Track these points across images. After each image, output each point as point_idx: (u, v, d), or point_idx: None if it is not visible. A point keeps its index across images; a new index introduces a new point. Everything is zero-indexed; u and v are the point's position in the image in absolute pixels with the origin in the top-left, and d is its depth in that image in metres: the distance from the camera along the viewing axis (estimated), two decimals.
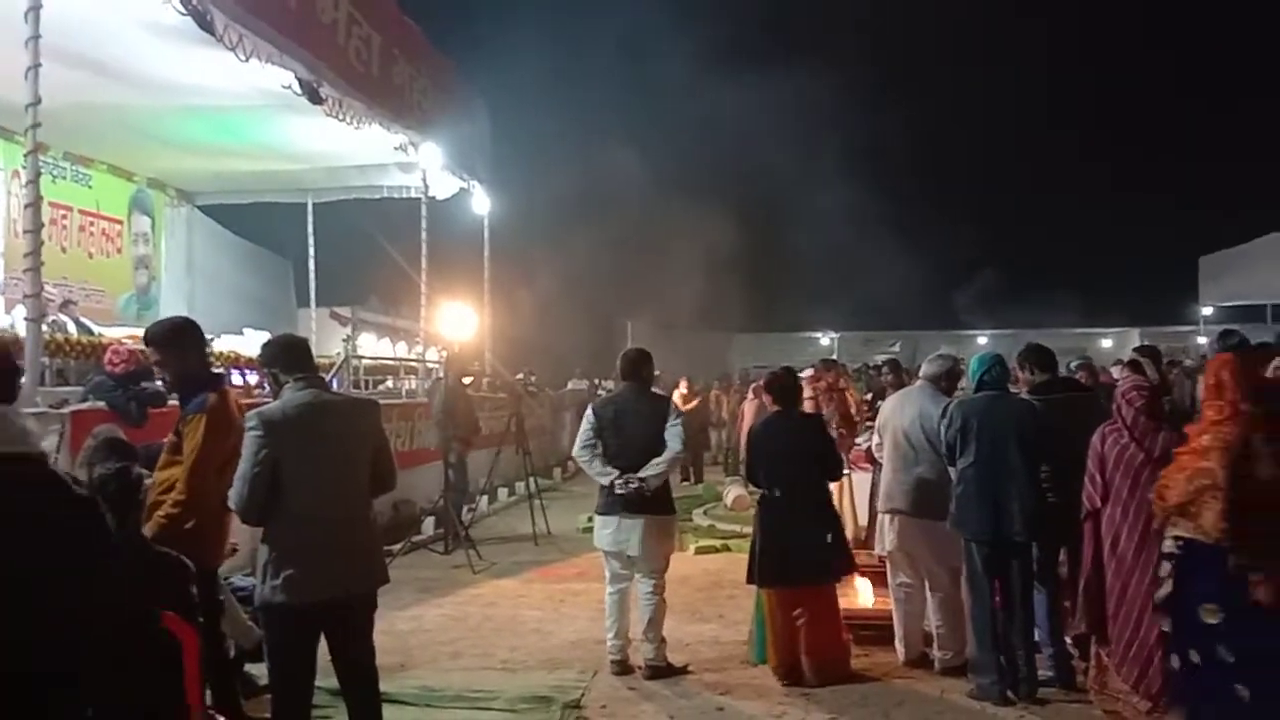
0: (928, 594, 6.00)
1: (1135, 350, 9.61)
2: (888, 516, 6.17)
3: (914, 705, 5.43)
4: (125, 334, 9.62)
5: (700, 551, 9.88)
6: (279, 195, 15.43)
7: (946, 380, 6.31)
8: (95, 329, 10.40)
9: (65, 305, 10.58)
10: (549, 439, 17.75)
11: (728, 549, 9.78)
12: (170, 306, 13.89)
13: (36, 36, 6.70)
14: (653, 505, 5.91)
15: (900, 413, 6.25)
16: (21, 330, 7.47)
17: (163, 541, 3.93)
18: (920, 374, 6.62)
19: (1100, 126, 52.24)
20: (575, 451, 6.30)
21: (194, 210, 15.53)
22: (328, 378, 8.36)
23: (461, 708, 5.41)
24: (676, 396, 13.51)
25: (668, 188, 25.14)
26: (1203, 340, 26.55)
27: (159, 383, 5.39)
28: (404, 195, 14.76)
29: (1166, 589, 4.29)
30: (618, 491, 5.88)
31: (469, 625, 7.22)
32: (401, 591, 7.82)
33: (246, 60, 8.35)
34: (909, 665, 6.00)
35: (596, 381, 20.32)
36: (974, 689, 5.48)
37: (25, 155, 7.19)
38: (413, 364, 15.22)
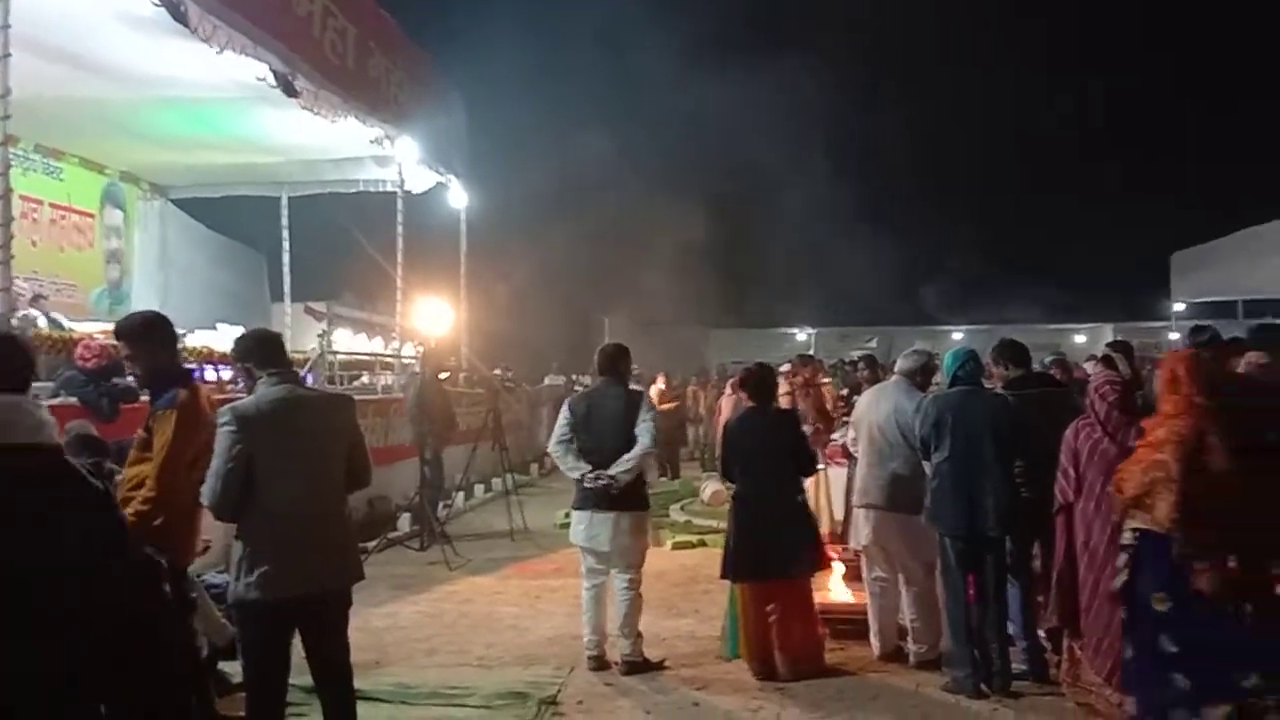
0: (902, 588, 6.03)
1: (1108, 345, 9.69)
2: (863, 511, 6.19)
3: (889, 699, 5.46)
4: (97, 329, 9.53)
5: (677, 547, 9.89)
6: (253, 189, 15.36)
7: (921, 375, 6.34)
8: (66, 324, 10.31)
9: (36, 300, 10.49)
10: (526, 434, 17.72)
11: (704, 544, 9.79)
12: (143, 301, 13.79)
13: (6, 26, 6.63)
14: (625, 501, 5.91)
15: (875, 408, 6.28)
16: None
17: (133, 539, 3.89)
18: (895, 369, 6.66)
19: (1073, 125, 52.54)
20: (550, 447, 6.30)
21: (167, 204, 15.42)
22: (302, 373, 8.32)
23: (437, 704, 5.39)
24: (654, 392, 13.50)
25: (646, 183, 25.10)
26: (1175, 336, 26.81)
27: (130, 378, 5.34)
28: (380, 189, 14.70)
29: (1122, 578, 4.40)
30: (586, 486, 5.89)
31: (445, 622, 7.20)
32: (377, 588, 7.78)
33: (221, 53, 8.29)
34: (884, 659, 6.03)
35: (574, 377, 20.29)
36: (948, 682, 5.51)
37: None
38: (389, 359, 15.15)
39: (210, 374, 9.91)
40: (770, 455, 5.96)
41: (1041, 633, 5.63)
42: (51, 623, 2.50)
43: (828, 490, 7.95)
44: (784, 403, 9.73)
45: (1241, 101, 45.53)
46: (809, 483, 6.41)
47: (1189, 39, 48.76)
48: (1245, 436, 4.30)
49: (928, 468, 5.70)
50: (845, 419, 8.43)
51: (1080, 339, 34.95)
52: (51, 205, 13.05)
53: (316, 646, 4.03)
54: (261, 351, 4.09)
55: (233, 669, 4.67)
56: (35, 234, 12.70)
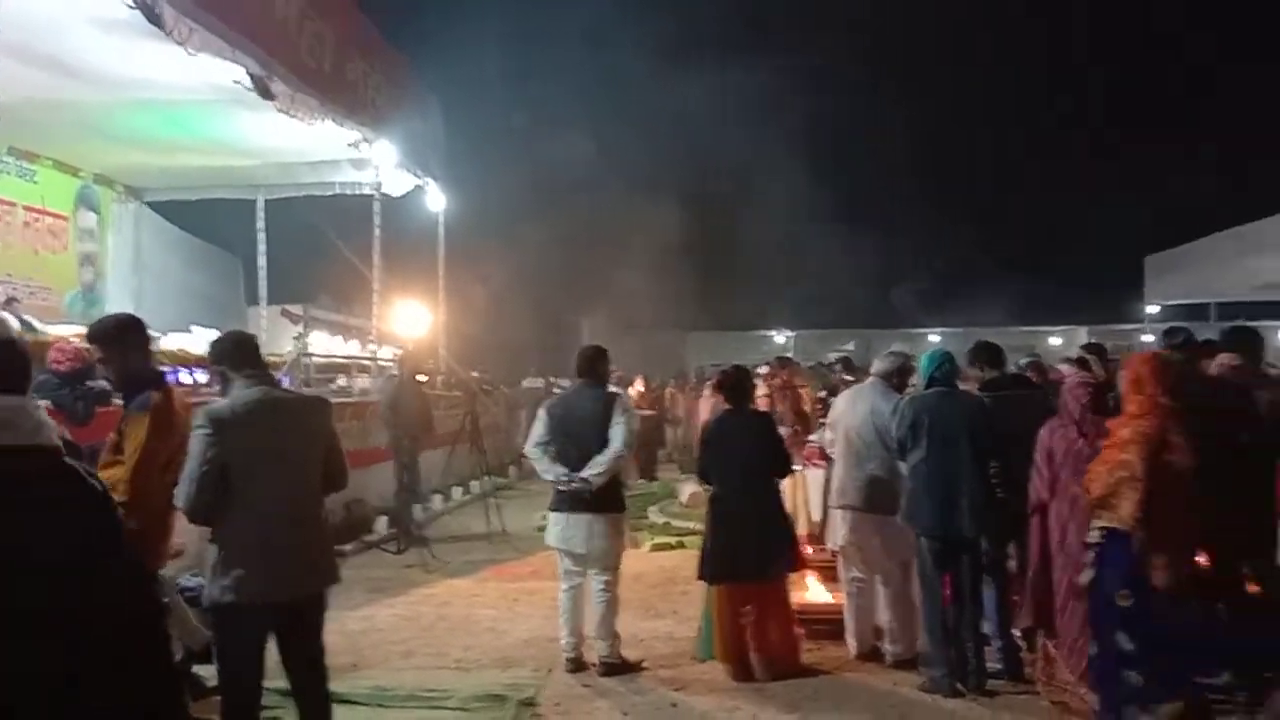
0: (879, 588, 6.07)
1: (1082, 348, 9.76)
2: (840, 512, 6.22)
3: (865, 699, 5.49)
4: (71, 332, 9.43)
5: (655, 548, 9.91)
6: (229, 191, 15.23)
7: (898, 377, 6.38)
8: (40, 326, 10.20)
9: (8, 303, 10.39)
10: (504, 437, 17.67)
11: (683, 546, 9.81)
12: (117, 304, 13.66)
13: None
14: (599, 503, 5.92)
15: (852, 409, 6.31)
16: None
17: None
18: (872, 371, 6.69)
19: (1049, 129, 52.95)
20: (527, 449, 6.30)
21: (142, 206, 15.28)
22: (278, 376, 8.27)
23: (414, 707, 5.38)
24: (633, 394, 13.51)
25: (624, 186, 25.15)
26: (1149, 338, 27.06)
27: (104, 381, 5.30)
28: (357, 192, 14.60)
29: (1088, 575, 4.47)
30: (560, 489, 5.90)
31: (422, 625, 7.18)
32: (353, 591, 7.76)
33: (196, 56, 8.24)
34: (860, 659, 6.06)
35: (552, 379, 20.26)
36: (925, 682, 5.55)
37: None
38: (365, 362, 15.10)
39: (185, 377, 9.83)
40: (747, 457, 5.98)
41: (1017, 632, 5.68)
42: (51, 623, 2.49)
43: (805, 491, 7.97)
44: (762, 405, 9.77)
45: (1214, 106, 46.09)
46: (786, 484, 6.44)
47: (1158, 44, 49.28)
48: (1216, 437, 4.38)
49: (904, 469, 5.74)
50: (823, 420, 8.47)
51: (1055, 341, 35.33)
52: (25, 208, 12.90)
53: (292, 650, 4.02)
54: (236, 354, 4.07)
55: (207, 672, 4.64)
56: (8, 236, 12.57)
